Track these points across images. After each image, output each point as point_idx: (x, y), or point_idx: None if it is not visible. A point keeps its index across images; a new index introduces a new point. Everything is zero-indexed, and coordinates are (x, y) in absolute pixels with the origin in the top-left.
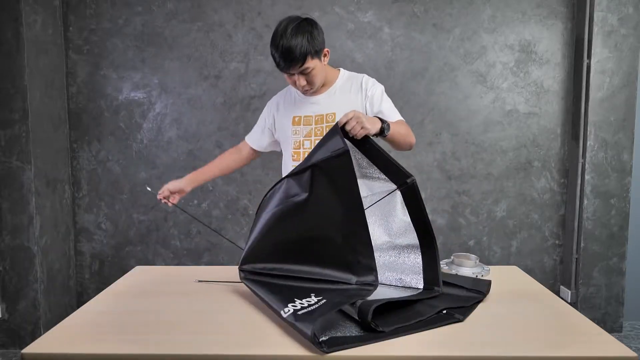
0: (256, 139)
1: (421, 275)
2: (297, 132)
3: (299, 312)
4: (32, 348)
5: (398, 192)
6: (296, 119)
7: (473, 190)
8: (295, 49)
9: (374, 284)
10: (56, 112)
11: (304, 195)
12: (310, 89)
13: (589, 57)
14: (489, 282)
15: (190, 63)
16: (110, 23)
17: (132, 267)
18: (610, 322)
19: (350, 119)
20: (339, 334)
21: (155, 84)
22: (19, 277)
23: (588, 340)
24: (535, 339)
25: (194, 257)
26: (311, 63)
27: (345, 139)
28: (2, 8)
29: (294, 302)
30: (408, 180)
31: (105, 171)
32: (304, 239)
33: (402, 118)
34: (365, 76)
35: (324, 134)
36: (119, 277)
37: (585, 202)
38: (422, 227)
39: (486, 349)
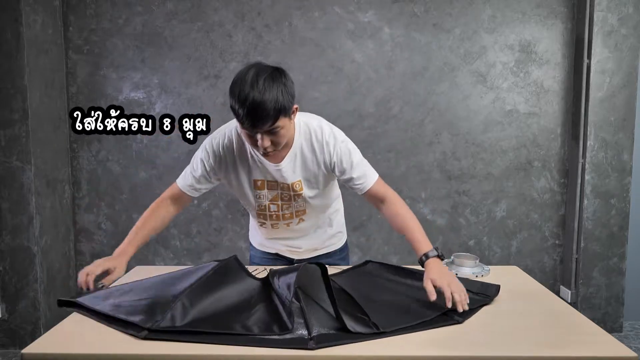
0: (193, 187)
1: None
2: (261, 196)
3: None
4: (32, 348)
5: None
6: (258, 183)
7: (473, 190)
8: (267, 104)
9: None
10: (56, 112)
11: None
12: (274, 150)
13: (589, 57)
14: (497, 287)
15: (190, 63)
16: (110, 23)
17: (132, 267)
18: (610, 322)
19: (455, 294)
20: (332, 331)
21: (155, 84)
22: (19, 277)
23: (588, 340)
24: (535, 339)
25: (194, 257)
26: (282, 121)
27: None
28: (2, 8)
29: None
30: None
31: (105, 171)
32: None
33: (376, 173)
34: (326, 133)
35: (292, 199)
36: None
37: (585, 202)
38: None
39: (486, 349)
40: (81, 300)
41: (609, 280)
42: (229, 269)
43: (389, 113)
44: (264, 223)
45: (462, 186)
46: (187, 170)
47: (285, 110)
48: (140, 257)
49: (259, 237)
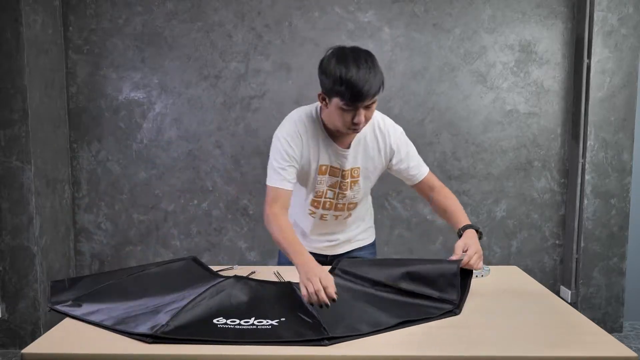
0: (292, 181)
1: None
2: (322, 181)
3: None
4: (32, 348)
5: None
6: (323, 167)
7: (473, 190)
8: (376, 77)
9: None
10: (56, 112)
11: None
12: (363, 126)
13: (589, 57)
14: (461, 294)
15: (190, 63)
16: (110, 23)
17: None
18: (610, 322)
19: (474, 256)
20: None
21: (155, 84)
22: (19, 277)
23: (588, 340)
24: (535, 339)
25: None
26: (377, 95)
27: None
28: (2, 8)
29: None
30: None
31: (105, 171)
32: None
33: (426, 165)
34: (388, 123)
35: (348, 187)
36: None
37: (585, 202)
38: None
39: (486, 349)
40: (73, 313)
41: (609, 280)
42: (195, 271)
43: (389, 113)
44: (314, 212)
45: (462, 186)
46: (279, 171)
47: (383, 84)
48: (140, 258)
49: (298, 234)
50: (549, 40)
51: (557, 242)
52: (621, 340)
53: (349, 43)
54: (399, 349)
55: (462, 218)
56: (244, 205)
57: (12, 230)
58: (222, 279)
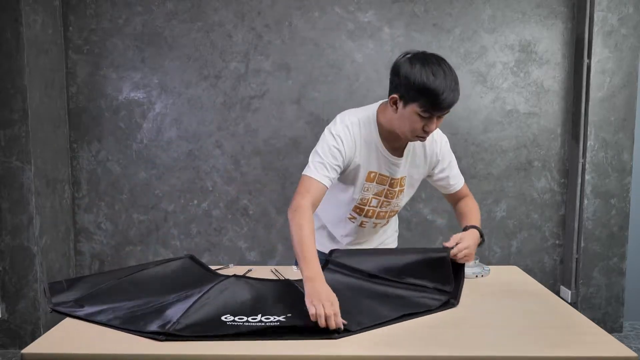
0: (332, 181)
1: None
2: (368, 189)
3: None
4: (32, 348)
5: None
6: (371, 175)
7: (473, 190)
8: (458, 87)
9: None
10: (56, 112)
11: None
12: (429, 135)
13: (589, 57)
14: (455, 285)
15: (190, 63)
16: (110, 23)
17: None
18: (610, 322)
19: (463, 251)
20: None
21: (155, 84)
22: (19, 277)
23: (588, 340)
24: (535, 339)
25: None
26: None
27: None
28: (2, 8)
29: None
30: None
31: (105, 171)
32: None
33: (462, 176)
34: (439, 140)
35: (396, 196)
36: None
37: (585, 202)
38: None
39: (486, 349)
40: (76, 314)
41: (609, 280)
42: (196, 271)
43: None
44: (355, 218)
45: None
46: (323, 165)
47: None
48: (140, 258)
49: (324, 237)
50: (549, 40)
51: (557, 242)
52: (621, 340)
53: (349, 43)
54: (399, 348)
55: (472, 219)
56: (244, 205)
57: (12, 230)
58: (222, 278)
